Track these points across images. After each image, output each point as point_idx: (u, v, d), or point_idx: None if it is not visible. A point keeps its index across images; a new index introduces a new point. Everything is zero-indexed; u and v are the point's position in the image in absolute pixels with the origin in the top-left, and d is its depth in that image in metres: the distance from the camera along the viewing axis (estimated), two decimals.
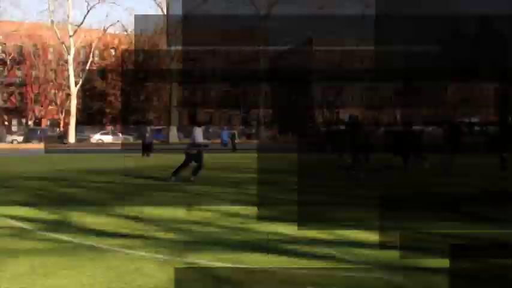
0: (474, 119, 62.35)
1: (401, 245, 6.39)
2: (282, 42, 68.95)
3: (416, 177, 15.08)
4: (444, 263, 5.51)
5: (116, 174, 17.19)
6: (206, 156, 14.68)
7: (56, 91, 62.47)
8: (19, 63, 63.24)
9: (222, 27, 61.43)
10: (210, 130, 62.55)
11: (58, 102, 62.83)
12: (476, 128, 53.92)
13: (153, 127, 59.32)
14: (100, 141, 54.27)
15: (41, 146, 48.09)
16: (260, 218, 8.34)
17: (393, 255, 5.87)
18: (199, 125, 14.78)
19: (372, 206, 9.67)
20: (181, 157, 14.58)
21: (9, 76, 62.82)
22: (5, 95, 64.15)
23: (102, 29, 55.56)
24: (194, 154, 14.09)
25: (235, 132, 39.54)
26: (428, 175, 15.33)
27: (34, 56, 61.95)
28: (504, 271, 5.20)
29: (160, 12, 54.22)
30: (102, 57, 66.45)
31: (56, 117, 64.80)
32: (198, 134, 14.19)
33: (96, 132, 57.34)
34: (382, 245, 6.34)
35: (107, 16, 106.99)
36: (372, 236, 6.86)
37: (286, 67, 61.90)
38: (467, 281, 4.86)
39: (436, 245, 6.36)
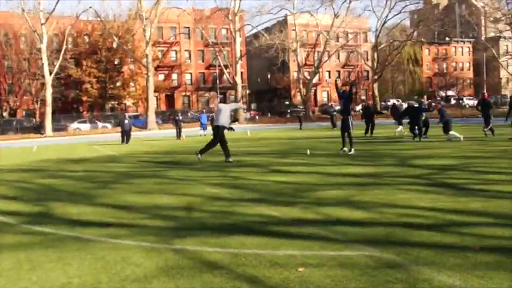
0: None
1: (389, 220, 6.41)
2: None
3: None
4: (433, 236, 5.55)
5: (96, 163, 17.03)
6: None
7: (30, 81, 61.24)
8: None
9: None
10: (188, 114, 62.17)
11: (33, 92, 61.68)
12: None
13: (131, 114, 59.15)
14: (77, 129, 53.68)
15: (17, 137, 47.42)
16: (244, 201, 8.32)
17: (382, 231, 5.88)
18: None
19: (349, 184, 9.72)
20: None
21: None
22: None
23: (74, 16, 54.57)
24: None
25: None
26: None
27: (6, 46, 60.57)
28: (493, 242, 5.24)
29: None
30: (75, 45, 65.35)
31: (31, 107, 63.75)
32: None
33: (73, 121, 56.70)
34: (369, 222, 6.35)
35: (79, 2, 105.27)
36: (357, 214, 6.87)
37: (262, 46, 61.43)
38: (456, 253, 4.88)
39: (424, 219, 6.39)
